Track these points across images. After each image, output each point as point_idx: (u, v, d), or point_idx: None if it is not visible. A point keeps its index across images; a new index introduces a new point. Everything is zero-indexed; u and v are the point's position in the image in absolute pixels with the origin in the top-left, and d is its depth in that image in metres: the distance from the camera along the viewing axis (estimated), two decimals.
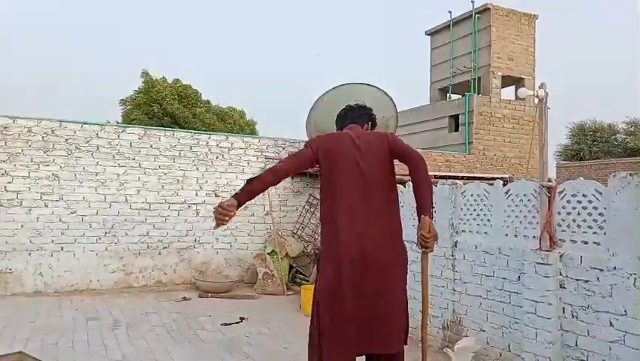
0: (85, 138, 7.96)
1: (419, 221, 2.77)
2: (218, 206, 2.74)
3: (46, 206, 7.65)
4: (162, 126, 16.43)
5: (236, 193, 2.85)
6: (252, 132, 22.74)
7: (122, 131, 8.32)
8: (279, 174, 2.95)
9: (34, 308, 6.44)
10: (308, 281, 7.77)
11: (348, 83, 8.68)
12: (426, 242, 2.74)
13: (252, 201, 9.34)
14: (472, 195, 4.92)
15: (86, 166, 7.92)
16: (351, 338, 2.83)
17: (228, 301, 7.34)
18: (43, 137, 7.72)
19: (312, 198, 9.12)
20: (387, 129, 8.64)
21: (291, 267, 8.49)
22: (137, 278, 8.11)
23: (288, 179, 9.30)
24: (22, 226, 7.48)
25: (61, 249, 7.67)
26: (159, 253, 8.30)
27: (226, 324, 5.93)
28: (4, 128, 7.52)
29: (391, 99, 8.70)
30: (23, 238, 7.47)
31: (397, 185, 3.12)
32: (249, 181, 2.88)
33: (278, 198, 9.17)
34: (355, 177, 2.92)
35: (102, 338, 5.23)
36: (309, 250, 8.76)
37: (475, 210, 4.86)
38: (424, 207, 2.81)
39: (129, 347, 4.98)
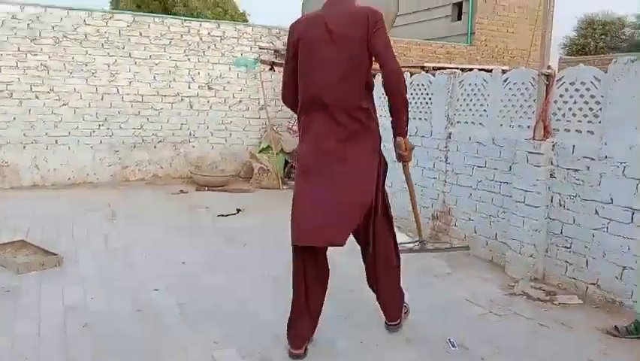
0: (72, 25, 7.62)
1: (394, 141, 2.85)
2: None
3: (37, 98, 7.51)
4: (151, 12, 15.71)
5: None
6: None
7: (110, 18, 7.93)
8: (290, 90, 2.85)
9: (33, 201, 6.55)
10: None
11: None
12: (404, 158, 2.92)
13: (246, 95, 9.15)
14: (469, 84, 4.80)
15: (75, 56, 7.66)
16: (307, 228, 2.72)
17: (225, 194, 7.46)
18: (28, 24, 7.39)
19: None
20: (386, 16, 8.27)
21: (286, 162, 8.53)
22: (133, 172, 8.18)
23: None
24: (14, 118, 7.40)
25: (56, 142, 7.65)
26: (154, 147, 8.30)
27: (223, 215, 6.07)
28: None
29: None
30: (17, 131, 7.42)
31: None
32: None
33: (272, 92, 8.99)
34: (325, 69, 2.65)
35: (101, 228, 5.37)
36: None
37: (472, 100, 4.77)
38: (399, 128, 2.81)
39: (128, 236, 5.12)
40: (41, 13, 7.47)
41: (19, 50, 7.37)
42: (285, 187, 7.99)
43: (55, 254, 4.27)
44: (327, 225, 2.69)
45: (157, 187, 7.73)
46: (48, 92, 7.58)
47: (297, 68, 2.76)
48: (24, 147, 7.48)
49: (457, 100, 4.93)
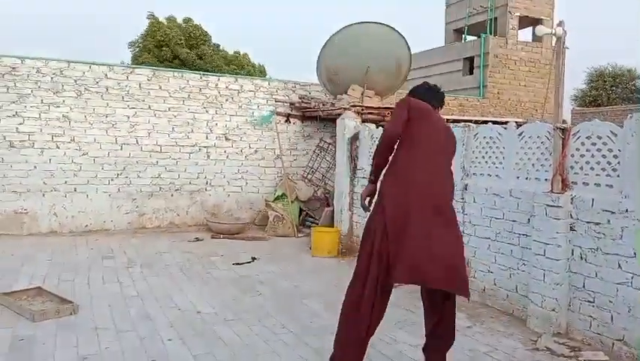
0: (94, 78, 7.89)
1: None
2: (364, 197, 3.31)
3: (57, 147, 7.69)
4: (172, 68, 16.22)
5: (370, 178, 3.28)
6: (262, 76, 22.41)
7: (131, 72, 8.22)
8: (393, 138, 3.14)
9: (51, 247, 6.60)
10: (318, 224, 7.84)
11: (359, 22, 8.46)
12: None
13: (262, 145, 9.33)
14: (484, 137, 4.85)
15: (96, 108, 7.90)
16: (428, 271, 2.89)
17: (240, 242, 7.47)
18: (52, 77, 7.67)
19: (322, 142, 9.07)
20: (400, 70, 8.49)
21: (301, 210, 8.56)
22: (150, 219, 8.24)
23: (299, 123, 9.23)
24: (35, 167, 7.56)
25: (75, 190, 7.78)
26: (171, 195, 8.39)
27: (238, 264, 6.05)
28: (13, 68, 7.46)
29: (403, 38, 8.49)
30: (37, 179, 7.56)
31: None
32: (375, 161, 3.23)
33: (288, 142, 9.14)
34: (436, 145, 3.18)
35: (117, 276, 5.38)
36: (319, 194, 8.79)
37: (487, 152, 4.81)
38: None
39: (143, 284, 5.12)
40: (64, 68, 7.76)
41: (42, 102, 7.62)
42: (300, 235, 7.98)
43: (70, 302, 4.27)
44: (454, 272, 2.95)
45: (173, 235, 7.76)
46: (69, 142, 7.77)
47: (407, 132, 3.13)
48: (43, 195, 7.61)
49: (473, 152, 4.97)
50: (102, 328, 3.85)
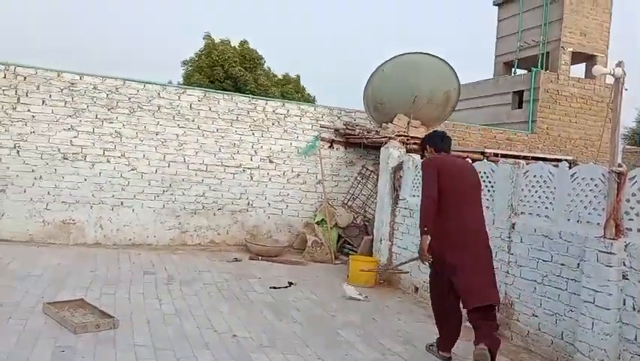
0: (147, 97, 8.17)
1: None
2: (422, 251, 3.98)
3: (108, 162, 7.96)
4: (223, 89, 16.65)
5: (425, 230, 3.95)
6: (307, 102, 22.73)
7: (183, 93, 8.47)
8: (435, 201, 3.96)
9: (94, 259, 6.77)
10: (356, 252, 7.78)
11: (408, 53, 8.47)
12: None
13: (305, 169, 9.43)
14: (534, 175, 4.73)
15: (147, 125, 8.15)
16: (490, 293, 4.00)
17: (278, 265, 7.47)
18: (107, 94, 7.98)
19: (364, 169, 9.05)
20: (448, 102, 8.43)
21: (339, 237, 8.52)
22: (191, 237, 8.37)
23: (342, 149, 9.25)
24: (85, 179, 7.83)
25: (121, 204, 8.00)
26: (214, 214, 8.52)
27: (275, 287, 6.05)
28: (72, 84, 7.81)
29: (454, 71, 8.45)
30: (86, 192, 7.83)
31: None
32: (424, 223, 3.98)
33: (330, 168, 9.17)
34: (464, 186, 4.10)
35: (157, 292, 5.46)
36: (358, 221, 8.74)
37: (536, 191, 4.68)
38: None
39: (182, 302, 5.18)
40: (120, 85, 8.07)
41: (96, 118, 7.92)
42: (337, 262, 7.93)
43: (111, 317, 4.35)
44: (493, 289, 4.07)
45: (213, 253, 7.84)
46: (119, 157, 8.02)
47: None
48: (91, 207, 7.85)
49: (522, 190, 4.84)
50: (140, 345, 3.90)
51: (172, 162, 8.28)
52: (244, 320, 4.77)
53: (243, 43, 21.58)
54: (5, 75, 7.52)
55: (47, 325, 4.16)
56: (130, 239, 8.01)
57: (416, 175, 6.64)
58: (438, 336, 4.29)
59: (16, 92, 7.56)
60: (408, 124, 7.94)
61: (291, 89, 22.46)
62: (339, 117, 9.32)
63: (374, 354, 4.17)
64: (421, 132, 8.06)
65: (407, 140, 7.64)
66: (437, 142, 4.44)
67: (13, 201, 7.49)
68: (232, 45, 21.27)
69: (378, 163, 8.00)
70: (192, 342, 4.06)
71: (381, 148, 7.61)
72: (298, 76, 24.05)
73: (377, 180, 8.30)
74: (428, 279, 4.40)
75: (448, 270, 3.98)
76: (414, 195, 6.60)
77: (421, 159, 5.23)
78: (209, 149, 8.50)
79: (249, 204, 8.72)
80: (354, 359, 4.02)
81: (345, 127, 9.09)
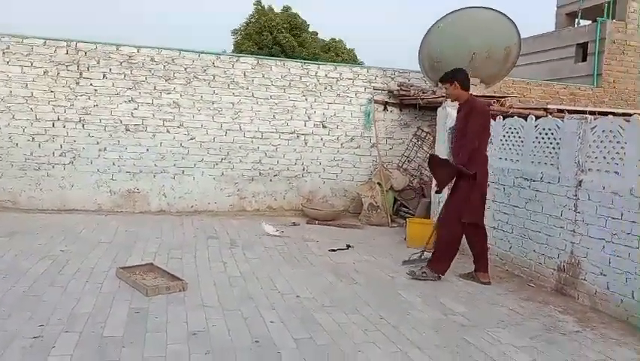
0: (202, 67, 8.28)
1: None
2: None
3: (168, 132, 8.18)
4: (271, 56, 16.64)
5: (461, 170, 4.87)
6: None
7: (236, 61, 8.53)
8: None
9: (160, 226, 7.06)
10: (413, 215, 7.72)
11: (466, 7, 8.13)
12: None
13: (358, 133, 9.38)
14: (603, 131, 4.49)
15: (204, 95, 8.29)
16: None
17: (334, 229, 7.55)
18: (164, 66, 8.14)
19: (420, 131, 8.89)
20: (507, 58, 8.08)
21: (395, 200, 8.47)
22: (250, 203, 8.56)
23: (396, 111, 9.11)
24: (147, 149, 8.11)
25: (182, 172, 8.26)
26: (270, 180, 8.65)
27: (333, 250, 6.13)
28: (130, 57, 8.01)
29: (514, 25, 8.06)
30: (149, 161, 8.11)
31: None
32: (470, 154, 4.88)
33: (384, 131, 9.06)
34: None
35: (221, 256, 5.65)
36: (414, 184, 8.64)
37: (605, 147, 4.45)
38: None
39: (245, 265, 5.34)
40: (176, 56, 8.20)
41: (154, 89, 8.12)
42: (393, 225, 7.91)
43: (180, 279, 4.54)
44: None
45: (271, 218, 8.00)
46: (178, 127, 8.23)
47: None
48: (154, 176, 8.15)
49: (589, 146, 4.62)
50: (209, 306, 4.07)
51: (228, 130, 8.42)
52: (305, 281, 4.87)
53: (287, 9, 21.40)
54: (67, 51, 7.80)
55: (121, 288, 4.39)
56: (192, 206, 8.29)
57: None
58: (433, 262, 5.07)
59: (78, 67, 7.84)
60: None
61: (337, 54, 22.19)
62: (392, 78, 9.13)
63: (436, 314, 4.17)
64: (480, 90, 7.80)
65: None
66: (465, 79, 4.79)
67: (81, 173, 7.88)
68: (276, 12, 21.16)
69: (434, 124, 7.82)
70: (257, 303, 4.20)
71: (438, 108, 7.43)
72: (342, 40, 23.70)
73: (433, 142, 8.14)
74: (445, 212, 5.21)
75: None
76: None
77: (447, 89, 5.08)
78: (263, 116, 8.57)
79: (304, 169, 8.78)
80: (415, 318, 4.04)
81: (399, 88, 8.91)
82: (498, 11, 7.98)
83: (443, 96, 7.47)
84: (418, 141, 8.83)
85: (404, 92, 8.76)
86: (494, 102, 7.56)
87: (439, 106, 7.44)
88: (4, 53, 7.56)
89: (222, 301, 4.18)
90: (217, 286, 4.59)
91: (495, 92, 8.56)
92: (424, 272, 5.07)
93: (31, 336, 3.32)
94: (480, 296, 4.72)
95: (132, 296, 4.19)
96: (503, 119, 6.02)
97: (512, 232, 5.54)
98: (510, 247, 5.59)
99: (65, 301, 4.00)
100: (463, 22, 7.88)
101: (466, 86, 4.94)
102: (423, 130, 8.85)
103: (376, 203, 8.06)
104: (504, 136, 5.86)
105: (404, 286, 4.89)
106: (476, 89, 7.65)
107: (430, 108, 8.52)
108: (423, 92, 8.35)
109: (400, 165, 8.80)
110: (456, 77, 4.91)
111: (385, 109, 9.06)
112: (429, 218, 7.05)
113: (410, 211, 8.07)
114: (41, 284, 4.35)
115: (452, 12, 7.98)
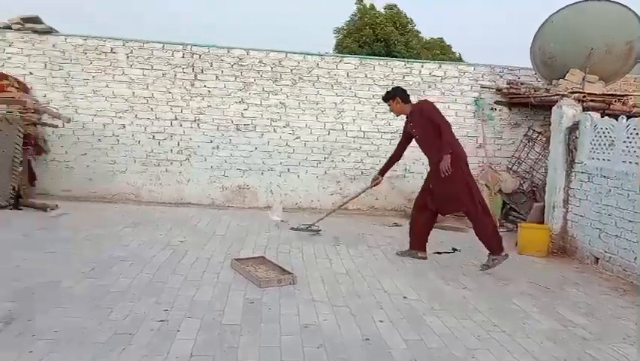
0: (307, 68, 8.48)
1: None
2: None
3: (275, 131, 8.48)
4: (373, 52, 16.64)
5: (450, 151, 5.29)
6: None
7: (340, 61, 8.64)
8: None
9: (267, 221, 7.31)
10: (523, 220, 7.36)
11: (581, 1, 7.60)
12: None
13: (464, 132, 9.20)
14: None
15: (308, 95, 8.49)
16: None
17: (438, 231, 7.33)
18: (271, 67, 8.44)
19: (531, 131, 8.47)
20: (630, 53, 7.44)
21: (504, 203, 8.12)
22: (351, 201, 8.59)
23: (505, 110, 8.73)
24: (255, 148, 8.45)
25: (288, 170, 8.52)
26: (365, 191, 8.63)
27: (439, 253, 6.01)
28: (240, 59, 8.39)
29: (638, 18, 7.39)
30: (257, 159, 8.46)
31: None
32: (452, 142, 5.49)
33: (492, 131, 8.72)
34: None
35: (326, 252, 5.75)
36: (524, 187, 8.24)
37: None
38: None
39: (350, 262, 5.40)
40: (282, 58, 8.46)
41: (263, 90, 8.44)
42: (502, 230, 7.57)
43: (290, 273, 4.68)
44: None
45: (373, 218, 8.02)
46: (284, 127, 8.49)
47: None
48: (262, 173, 8.48)
49: None
50: (318, 300, 4.16)
51: (331, 129, 8.55)
52: (411, 282, 4.82)
53: (391, 7, 21.26)
54: (183, 55, 8.33)
55: (236, 278, 4.61)
56: (296, 203, 8.52)
57: (595, 136, 6.04)
58: (494, 246, 5.34)
59: (193, 69, 8.35)
60: (583, 79, 7.20)
61: (440, 52, 21.72)
62: (501, 76, 8.78)
63: (554, 325, 3.95)
64: (599, 88, 7.27)
65: (583, 97, 6.93)
66: (404, 93, 5.69)
67: (196, 169, 8.39)
68: (378, 10, 21.14)
69: (547, 124, 7.42)
70: (365, 301, 4.22)
71: (553, 107, 7.02)
72: (441, 38, 23.14)
73: (546, 143, 7.72)
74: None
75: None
76: (592, 158, 6.02)
77: (390, 106, 5.84)
78: (365, 116, 8.60)
79: (406, 169, 8.68)
80: (531, 328, 3.85)
81: (508, 86, 8.54)
82: (619, 3, 7.38)
83: (558, 94, 7.07)
84: (529, 141, 8.42)
85: (514, 91, 8.38)
86: (615, 101, 7.02)
87: (553, 105, 7.03)
88: (127, 56, 8.24)
89: (331, 297, 4.25)
90: (324, 281, 4.67)
91: (615, 90, 7.92)
92: (495, 259, 5.31)
93: (158, 320, 3.58)
94: (601, 308, 4.41)
95: (246, 287, 4.38)
96: (627, 119, 5.57)
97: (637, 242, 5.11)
98: (635, 258, 5.15)
99: (186, 288, 4.27)
100: (579, 16, 7.38)
101: (406, 100, 5.68)
102: (534, 130, 8.43)
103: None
104: (627, 138, 5.42)
105: (518, 294, 4.68)
106: (594, 87, 7.16)
107: (542, 107, 8.08)
108: (535, 90, 7.93)
109: (510, 167, 8.43)
110: (396, 94, 5.66)
111: (493, 108, 8.72)
112: (543, 223, 6.69)
113: (520, 216, 7.71)
114: (164, 272, 4.68)
115: (568, 5, 7.50)
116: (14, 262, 4.61)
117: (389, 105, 5.78)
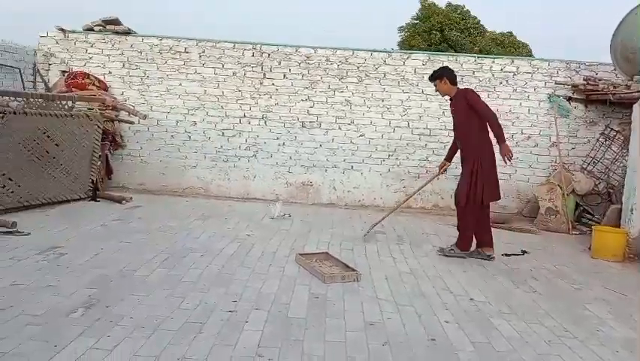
0: (373, 65, 8.46)
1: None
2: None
3: (339, 128, 8.52)
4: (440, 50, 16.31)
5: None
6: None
7: (407, 58, 8.55)
8: None
9: (330, 217, 7.39)
10: (598, 222, 7.01)
11: None
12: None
13: (536, 130, 8.86)
14: None
15: (374, 92, 8.46)
16: None
17: (506, 232, 7.17)
18: (338, 65, 8.48)
19: (608, 130, 8.03)
20: None
21: (577, 205, 7.77)
22: (415, 200, 8.50)
23: (581, 107, 8.34)
24: (320, 145, 8.53)
25: (351, 167, 8.54)
26: (437, 178, 8.47)
27: (507, 255, 5.84)
28: (307, 57, 8.49)
29: None
30: (321, 156, 8.54)
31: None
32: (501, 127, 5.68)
33: (567, 129, 8.35)
34: None
35: (389, 251, 5.73)
36: (600, 189, 7.84)
37: None
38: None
39: (414, 261, 5.35)
40: (349, 56, 8.48)
41: (329, 88, 8.50)
42: (574, 232, 7.27)
43: (354, 270, 4.71)
44: None
45: (437, 217, 7.90)
46: (349, 124, 8.52)
47: None
48: (325, 170, 8.55)
49: None
50: (382, 298, 4.15)
51: (397, 127, 8.49)
52: (478, 284, 4.71)
53: (456, 8, 20.77)
54: (253, 53, 8.53)
55: (300, 273, 4.69)
56: (359, 200, 8.54)
57: None
58: (461, 240, 5.61)
59: (262, 68, 8.53)
60: None
61: (511, 48, 20.97)
62: (577, 72, 8.38)
63: (630, 333, 3.75)
64: None
65: None
66: (452, 75, 5.66)
67: (262, 165, 8.58)
68: (441, 8, 20.72)
69: (626, 122, 7.01)
70: (430, 301, 4.17)
71: (634, 105, 6.62)
72: (510, 32, 22.30)
73: (624, 142, 7.30)
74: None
75: None
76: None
77: (436, 86, 5.78)
78: (432, 113, 8.48)
79: None
80: (606, 335, 3.67)
81: (585, 82, 8.13)
82: None
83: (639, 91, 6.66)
84: (606, 140, 7.99)
85: (591, 87, 7.97)
86: None
87: (634, 102, 6.63)
88: (200, 56, 8.54)
89: (395, 296, 4.23)
90: (388, 280, 4.66)
91: None
92: (452, 250, 5.67)
93: (227, 310, 3.70)
94: None
95: (311, 282, 4.45)
96: None
97: None
98: None
99: (253, 280, 4.39)
100: None
101: (454, 81, 5.66)
102: (612, 129, 7.99)
103: (556, 207, 7.46)
104: None
105: (592, 299, 4.47)
106: None
107: (621, 105, 7.65)
108: (614, 87, 7.51)
109: (584, 167, 8.04)
110: (444, 74, 5.63)
111: (570, 102, 8.35)
112: (619, 227, 6.35)
113: (595, 218, 7.35)
114: (232, 264, 4.83)
115: None
116: (93, 250, 4.91)
117: (435, 85, 5.76)
